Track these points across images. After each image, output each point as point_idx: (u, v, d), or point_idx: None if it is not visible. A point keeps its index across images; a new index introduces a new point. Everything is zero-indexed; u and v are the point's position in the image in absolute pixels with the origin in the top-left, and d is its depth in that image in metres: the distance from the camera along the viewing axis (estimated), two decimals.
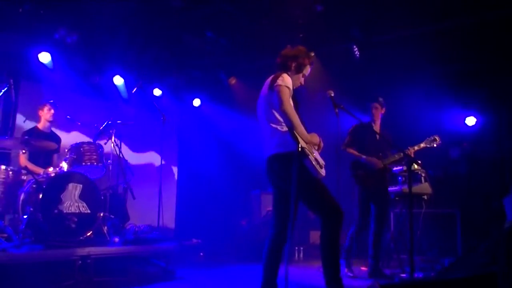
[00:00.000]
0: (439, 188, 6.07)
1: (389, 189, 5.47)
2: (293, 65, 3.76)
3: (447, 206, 6.57)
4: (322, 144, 3.71)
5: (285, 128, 3.50)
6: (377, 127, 5.42)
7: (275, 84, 3.51)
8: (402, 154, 5.09)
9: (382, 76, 7.40)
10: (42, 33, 6.27)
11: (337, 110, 3.80)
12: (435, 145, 5.18)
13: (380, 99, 5.43)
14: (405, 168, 5.41)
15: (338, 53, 7.03)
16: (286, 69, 3.73)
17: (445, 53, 6.72)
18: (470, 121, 7.38)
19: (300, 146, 3.37)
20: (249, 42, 7.02)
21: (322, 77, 6.84)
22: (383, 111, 5.43)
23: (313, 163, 3.45)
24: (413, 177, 5.26)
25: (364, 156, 5.17)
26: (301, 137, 3.45)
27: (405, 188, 5.32)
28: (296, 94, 3.67)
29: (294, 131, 3.43)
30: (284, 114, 3.45)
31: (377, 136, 5.30)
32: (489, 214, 6.56)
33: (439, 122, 7.22)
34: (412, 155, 5.11)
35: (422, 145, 5.19)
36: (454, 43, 6.47)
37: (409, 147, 5.14)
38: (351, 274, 5.23)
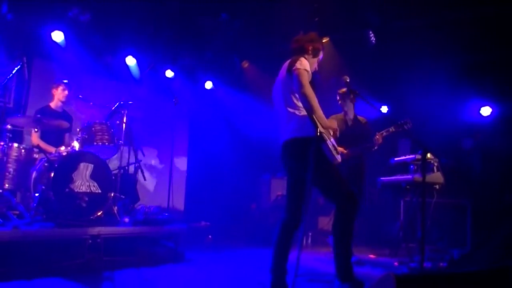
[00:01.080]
0: (451, 178, 6.01)
1: (400, 177, 5.45)
2: (311, 48, 3.72)
3: (458, 197, 6.50)
4: (338, 132, 3.68)
5: (302, 113, 3.46)
6: (350, 117, 5.38)
7: (293, 68, 3.46)
8: (368, 145, 5.18)
9: (397, 63, 7.31)
10: (55, 11, 6.24)
11: (352, 96, 3.76)
12: (406, 128, 5.12)
13: (351, 96, 5.36)
14: (417, 156, 5.36)
15: (353, 38, 6.94)
16: (304, 53, 3.69)
17: (461, 42, 6.60)
18: (485, 111, 7.27)
19: (318, 130, 3.34)
20: (264, 25, 6.94)
21: (336, 62, 6.76)
22: (354, 102, 5.38)
23: (330, 148, 3.42)
24: (425, 166, 5.20)
25: None
26: (319, 122, 3.41)
27: (416, 177, 5.26)
28: (312, 79, 3.62)
29: (313, 115, 3.39)
30: (304, 97, 3.40)
31: (349, 125, 5.31)
32: (501, 207, 6.50)
33: (454, 111, 7.14)
34: (380, 141, 5.13)
35: (392, 129, 5.17)
36: (472, 32, 6.35)
37: (377, 133, 5.13)
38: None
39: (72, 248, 4.30)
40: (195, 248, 5.77)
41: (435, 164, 5.35)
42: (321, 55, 3.85)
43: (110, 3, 6.34)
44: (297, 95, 3.49)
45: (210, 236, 6.86)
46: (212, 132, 8.72)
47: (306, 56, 3.68)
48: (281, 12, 6.43)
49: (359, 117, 5.47)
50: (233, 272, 4.69)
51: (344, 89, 5.33)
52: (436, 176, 5.33)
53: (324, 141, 3.39)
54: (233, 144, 8.66)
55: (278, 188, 7.83)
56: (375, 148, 5.22)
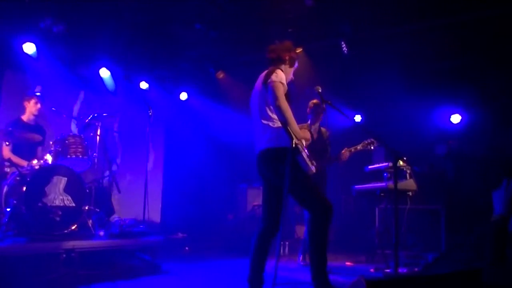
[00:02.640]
0: (424, 185, 6.14)
1: (374, 185, 5.55)
2: (287, 57, 3.75)
3: (431, 203, 6.64)
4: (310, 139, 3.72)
5: (276, 125, 3.51)
6: (315, 128, 5.47)
7: (269, 80, 3.50)
8: (332, 157, 5.33)
9: (369, 73, 7.43)
10: (27, 23, 6.16)
11: (324, 106, 3.81)
12: (372, 148, 5.37)
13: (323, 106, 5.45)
14: (390, 164, 5.46)
15: (327, 48, 7.04)
16: (281, 63, 3.72)
17: (431, 50, 6.78)
18: (456, 118, 7.46)
19: (294, 142, 3.38)
20: (239, 36, 6.99)
21: (310, 72, 6.85)
22: (324, 112, 5.46)
23: (305, 159, 3.46)
24: (398, 174, 5.31)
25: None
26: (294, 134, 3.46)
27: (390, 184, 5.36)
28: (288, 90, 3.66)
29: (288, 127, 3.43)
30: (278, 110, 3.44)
31: (314, 138, 5.35)
32: (473, 211, 6.65)
33: (425, 119, 7.29)
34: (347, 157, 5.27)
35: (359, 147, 5.35)
36: (441, 40, 6.52)
37: (345, 148, 5.25)
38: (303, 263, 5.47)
39: (46, 263, 4.22)
40: (172, 260, 5.73)
41: (408, 171, 5.46)
42: (296, 65, 3.88)
43: (83, 14, 6.29)
44: (271, 107, 3.53)
45: (187, 248, 6.83)
46: (188, 142, 8.69)
47: (283, 66, 3.72)
48: (255, 22, 6.49)
49: (322, 129, 5.56)
50: (211, 283, 4.67)
51: (316, 101, 5.40)
52: (409, 183, 5.44)
53: (299, 152, 3.44)
54: (209, 154, 8.66)
55: (255, 198, 7.85)
56: (339, 162, 5.34)
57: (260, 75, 3.72)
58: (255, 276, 3.55)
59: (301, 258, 5.67)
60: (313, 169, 3.57)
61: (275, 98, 3.43)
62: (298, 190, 3.50)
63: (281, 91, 3.46)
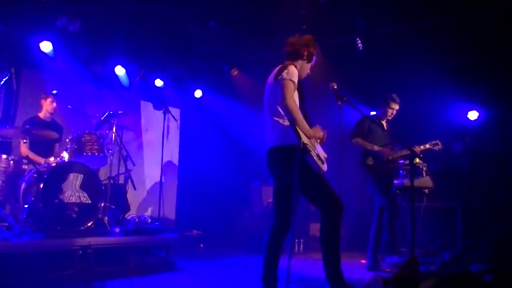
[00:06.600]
0: (440, 182, 6.07)
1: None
2: (306, 53, 3.69)
3: (447, 200, 6.56)
4: (325, 136, 3.67)
5: (287, 122, 3.46)
6: (384, 122, 5.46)
7: (279, 77, 3.45)
8: (408, 150, 5.15)
9: (385, 69, 7.37)
10: (43, 21, 6.22)
11: (339, 103, 3.76)
12: (437, 149, 5.40)
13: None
14: (406, 161, 5.42)
15: (342, 45, 6.99)
16: (298, 57, 3.66)
17: (448, 47, 6.68)
18: (473, 115, 7.35)
19: (302, 142, 3.34)
20: (253, 33, 6.97)
21: (325, 69, 6.81)
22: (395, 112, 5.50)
23: (315, 158, 3.42)
24: (414, 171, 5.27)
25: (376, 147, 5.19)
26: (303, 133, 3.42)
27: (406, 181, 5.31)
28: (301, 85, 3.62)
29: (296, 127, 3.40)
30: (285, 109, 3.39)
31: (385, 131, 5.34)
32: (490, 209, 6.55)
33: (442, 115, 7.20)
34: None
35: (427, 146, 5.37)
36: (458, 37, 6.42)
37: (415, 146, 5.21)
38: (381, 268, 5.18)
39: (62, 259, 4.28)
40: (187, 257, 5.75)
41: (424, 168, 5.43)
42: (314, 59, 3.81)
43: (98, 13, 6.33)
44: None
45: (202, 245, 6.85)
46: (202, 140, 8.72)
47: (300, 62, 3.66)
48: (269, 19, 6.46)
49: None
50: (225, 280, 4.68)
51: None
52: (425, 181, 5.39)
53: (307, 152, 3.40)
54: (224, 151, 8.67)
55: (269, 195, 7.78)
56: None
57: (273, 69, 3.67)
58: (269, 274, 3.55)
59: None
60: (324, 167, 3.53)
61: (283, 97, 3.38)
62: (307, 189, 3.48)
63: (290, 90, 3.41)
